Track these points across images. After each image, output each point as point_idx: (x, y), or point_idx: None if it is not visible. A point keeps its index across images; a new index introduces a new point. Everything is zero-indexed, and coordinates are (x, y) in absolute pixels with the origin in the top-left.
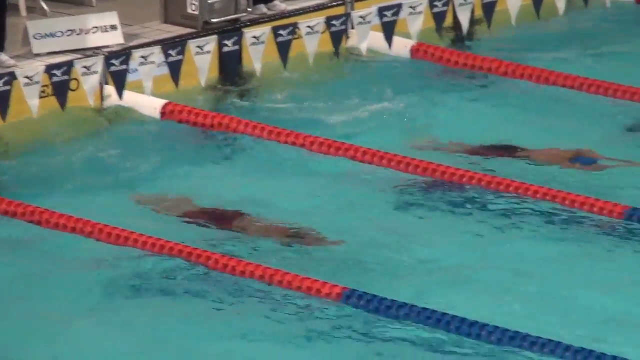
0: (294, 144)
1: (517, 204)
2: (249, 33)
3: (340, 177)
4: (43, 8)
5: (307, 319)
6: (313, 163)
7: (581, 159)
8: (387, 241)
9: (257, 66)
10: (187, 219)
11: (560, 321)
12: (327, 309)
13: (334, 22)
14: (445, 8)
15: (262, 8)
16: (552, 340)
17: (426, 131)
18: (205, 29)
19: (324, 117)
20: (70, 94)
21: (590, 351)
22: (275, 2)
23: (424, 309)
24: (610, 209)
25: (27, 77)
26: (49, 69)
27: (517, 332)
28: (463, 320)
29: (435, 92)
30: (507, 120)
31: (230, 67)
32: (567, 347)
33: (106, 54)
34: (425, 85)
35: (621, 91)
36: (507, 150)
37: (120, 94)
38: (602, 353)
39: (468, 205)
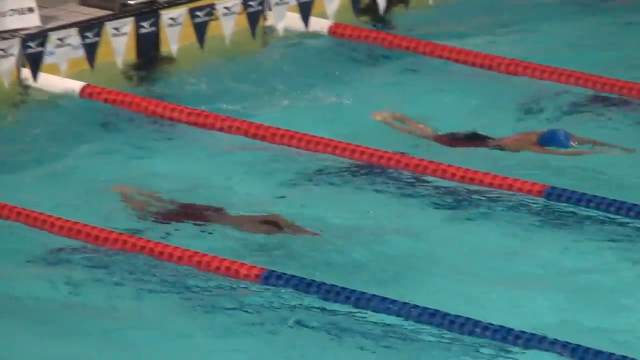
0: (212, 126)
1: (437, 186)
2: (166, 15)
3: (249, 155)
4: None
5: (225, 300)
6: (232, 144)
7: (553, 140)
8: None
9: (174, 47)
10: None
11: (481, 296)
12: (247, 289)
13: (251, 3)
14: None
15: None
16: (471, 319)
17: (342, 111)
18: (123, 11)
19: (241, 98)
20: None
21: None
22: None
23: (343, 288)
24: (529, 188)
25: None
26: None
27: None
28: (384, 299)
29: (352, 72)
30: (423, 98)
31: (147, 48)
32: (486, 327)
33: (23, 36)
34: (344, 65)
35: (540, 70)
36: (477, 140)
37: (35, 76)
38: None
39: (385, 184)
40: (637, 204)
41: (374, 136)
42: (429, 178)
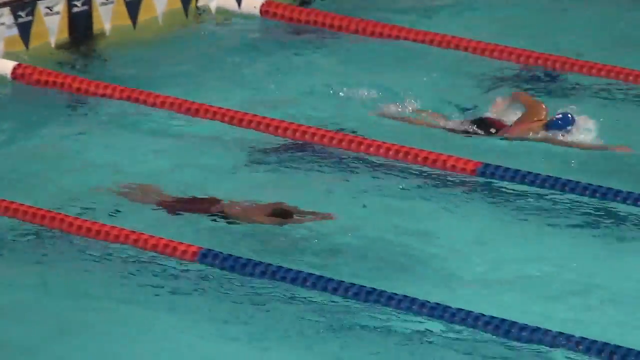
0: (145, 103)
1: (371, 163)
2: None
3: (189, 137)
4: None
5: (164, 279)
6: (165, 123)
7: (556, 124)
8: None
9: (107, 26)
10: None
11: (412, 272)
12: (184, 268)
13: None
14: None
15: None
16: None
17: (276, 90)
18: None
19: (175, 77)
20: None
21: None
22: None
23: (279, 267)
24: (462, 166)
25: None
26: None
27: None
28: (320, 277)
29: (284, 51)
30: (357, 77)
31: (80, 27)
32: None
33: None
34: (275, 44)
35: (471, 47)
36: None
37: None
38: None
39: (318, 163)
40: (571, 180)
41: (308, 113)
42: (367, 156)
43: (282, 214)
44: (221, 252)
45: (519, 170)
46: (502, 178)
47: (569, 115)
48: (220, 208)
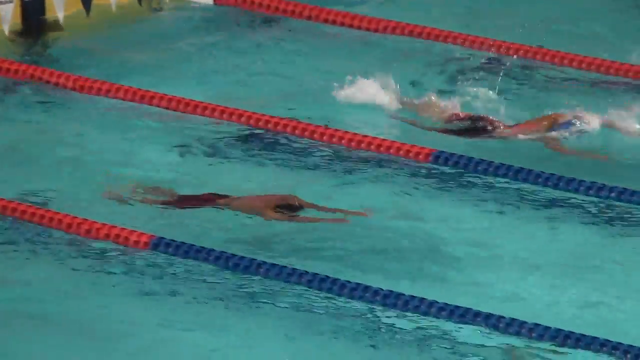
0: (99, 92)
1: (322, 150)
2: None
3: (144, 126)
4: None
5: (115, 268)
6: (119, 112)
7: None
8: None
9: (60, 14)
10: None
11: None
12: (135, 257)
13: None
14: None
15: None
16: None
17: (227, 77)
18: None
19: (128, 65)
20: None
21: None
22: None
23: (233, 255)
24: (417, 151)
25: None
26: None
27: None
28: (273, 265)
29: (237, 38)
30: (311, 63)
31: (33, 15)
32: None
33: None
34: (228, 32)
35: (425, 33)
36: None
37: None
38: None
39: (275, 150)
40: (524, 168)
41: (261, 100)
42: (318, 143)
43: (289, 207)
44: (173, 240)
45: (472, 158)
46: (455, 164)
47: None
48: (226, 202)
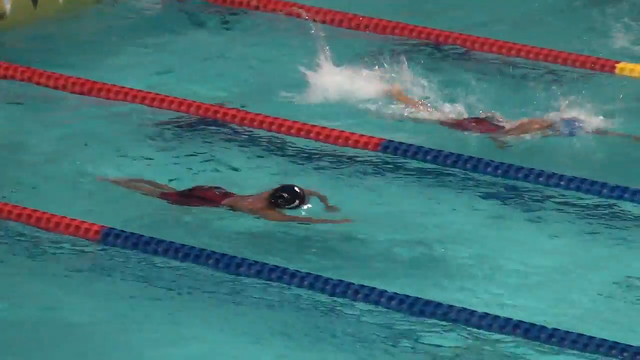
0: (46, 83)
1: (277, 140)
2: None
3: (98, 116)
4: None
5: (66, 259)
6: (68, 103)
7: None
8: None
9: (7, 6)
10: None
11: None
12: (86, 248)
13: None
14: None
15: None
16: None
17: (178, 67)
18: None
19: (75, 56)
20: None
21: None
22: None
23: (183, 245)
24: (366, 141)
25: None
26: None
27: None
28: (223, 255)
29: (186, 28)
30: (272, 57)
31: None
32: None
33: None
34: (179, 23)
35: (381, 26)
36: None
37: None
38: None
39: (219, 139)
40: (473, 157)
41: (207, 89)
42: (266, 133)
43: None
44: (123, 231)
45: (422, 146)
46: (405, 153)
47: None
48: (230, 202)
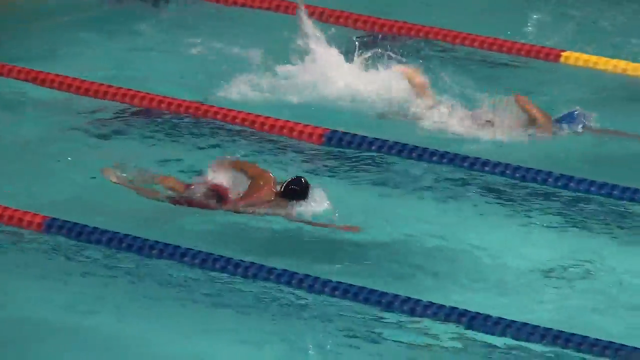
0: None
1: (223, 129)
2: None
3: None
4: None
5: (9, 251)
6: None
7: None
8: None
9: None
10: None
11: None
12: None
13: None
14: None
15: None
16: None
17: (121, 58)
18: None
19: (20, 47)
20: None
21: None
22: None
23: (126, 235)
24: (310, 131)
25: None
26: None
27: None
28: (176, 248)
29: (123, 17)
30: (217, 46)
31: None
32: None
33: None
34: (103, 15)
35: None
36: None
37: None
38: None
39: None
40: (418, 146)
41: (155, 82)
42: (218, 122)
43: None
44: (67, 221)
45: (365, 137)
46: (349, 144)
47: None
48: (232, 207)
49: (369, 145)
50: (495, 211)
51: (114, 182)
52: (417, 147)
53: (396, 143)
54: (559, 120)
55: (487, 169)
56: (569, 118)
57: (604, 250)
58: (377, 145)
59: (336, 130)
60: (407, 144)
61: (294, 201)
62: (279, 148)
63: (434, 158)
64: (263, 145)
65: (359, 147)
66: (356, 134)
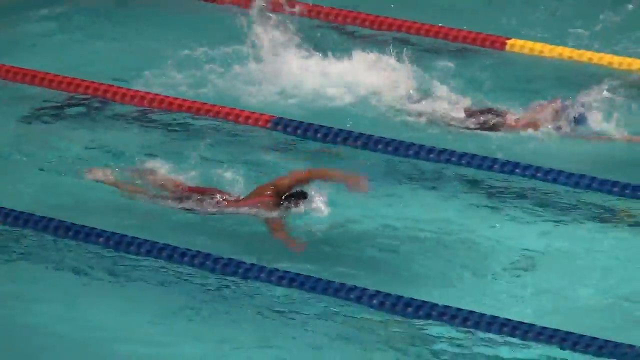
0: None
1: (161, 119)
2: None
3: None
4: None
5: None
6: None
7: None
8: None
9: None
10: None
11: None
12: None
13: None
14: None
15: None
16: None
17: (63, 48)
18: None
19: None
20: None
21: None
22: None
23: (73, 223)
24: (256, 117)
25: None
26: None
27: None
28: (122, 237)
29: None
30: (157, 35)
31: None
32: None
33: None
34: (74, 10)
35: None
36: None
37: None
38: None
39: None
40: (364, 134)
41: (98, 70)
42: (158, 112)
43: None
44: (3, 207)
45: (312, 124)
46: (295, 130)
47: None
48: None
49: (314, 133)
50: (473, 204)
51: (100, 182)
52: (362, 134)
53: (340, 130)
54: (574, 121)
55: (433, 157)
56: (581, 119)
57: (610, 246)
58: (322, 133)
59: (282, 117)
60: (352, 131)
61: (293, 202)
62: (226, 134)
63: (379, 146)
64: (210, 132)
65: (304, 135)
66: (302, 121)
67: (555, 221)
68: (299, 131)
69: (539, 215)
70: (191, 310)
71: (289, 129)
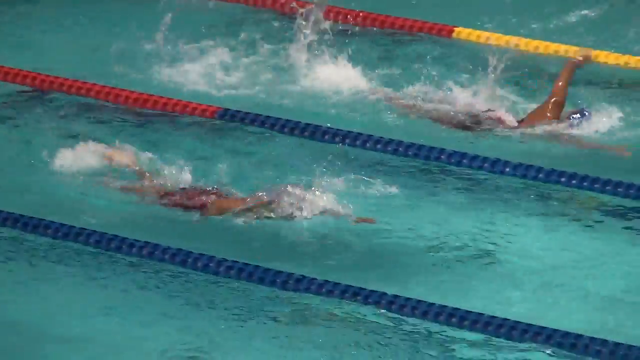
0: None
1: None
2: None
3: None
4: None
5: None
6: None
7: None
8: None
9: None
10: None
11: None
12: None
13: None
14: None
15: None
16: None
17: (20, 39)
18: None
19: None
20: None
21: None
22: None
23: (41, 219)
24: (204, 108)
25: None
26: None
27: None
28: (89, 233)
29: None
30: (119, 27)
31: None
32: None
33: None
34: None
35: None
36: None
37: None
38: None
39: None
40: (310, 124)
41: (47, 63)
42: (112, 105)
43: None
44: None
45: (259, 114)
46: (242, 121)
47: (586, 112)
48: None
49: (261, 124)
50: (463, 205)
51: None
52: (309, 124)
53: (288, 121)
54: (575, 118)
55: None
56: (582, 116)
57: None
58: (269, 124)
59: (228, 109)
60: (300, 122)
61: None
62: (172, 125)
63: (325, 136)
64: (155, 123)
65: (252, 124)
66: (249, 112)
67: (555, 221)
68: (244, 121)
69: (539, 215)
70: (179, 310)
71: (235, 119)
